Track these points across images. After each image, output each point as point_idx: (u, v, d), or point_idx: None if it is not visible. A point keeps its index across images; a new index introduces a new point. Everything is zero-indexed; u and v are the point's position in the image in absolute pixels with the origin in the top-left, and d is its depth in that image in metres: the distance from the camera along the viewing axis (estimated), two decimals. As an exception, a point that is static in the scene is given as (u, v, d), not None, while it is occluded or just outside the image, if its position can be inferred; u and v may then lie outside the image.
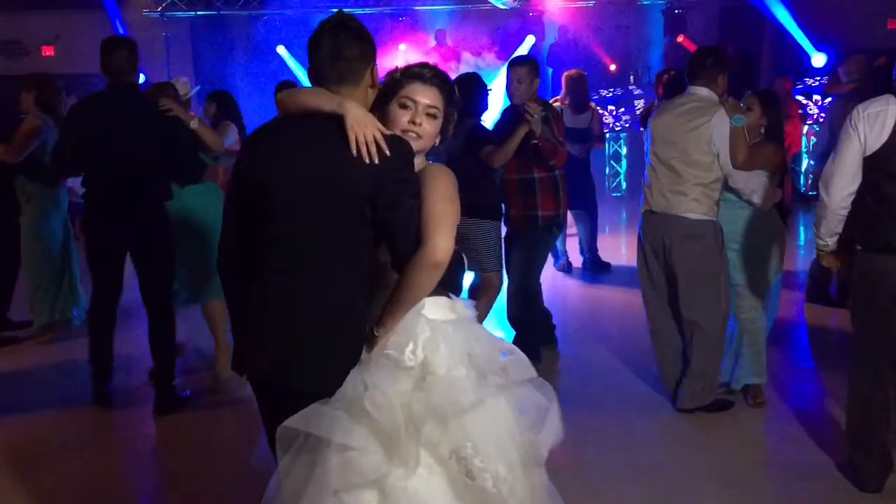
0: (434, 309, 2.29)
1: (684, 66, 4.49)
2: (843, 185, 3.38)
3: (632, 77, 13.71)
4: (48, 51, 13.80)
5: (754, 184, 4.21)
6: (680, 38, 13.40)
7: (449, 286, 2.33)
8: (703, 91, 4.28)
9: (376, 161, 2.17)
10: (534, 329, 5.18)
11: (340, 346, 2.24)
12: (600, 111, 8.44)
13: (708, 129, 4.12)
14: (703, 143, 4.14)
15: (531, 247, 5.05)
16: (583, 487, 3.53)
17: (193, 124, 4.64)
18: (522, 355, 2.37)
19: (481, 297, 4.93)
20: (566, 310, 6.41)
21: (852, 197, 3.40)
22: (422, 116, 2.34)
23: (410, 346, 2.17)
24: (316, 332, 2.23)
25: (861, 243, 3.45)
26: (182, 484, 3.82)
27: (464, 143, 4.87)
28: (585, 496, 3.48)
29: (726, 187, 4.25)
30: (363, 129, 2.18)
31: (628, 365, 5.13)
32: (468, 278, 5.15)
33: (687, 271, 4.22)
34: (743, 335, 4.41)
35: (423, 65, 2.42)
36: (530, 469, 2.24)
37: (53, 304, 6.04)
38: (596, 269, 7.74)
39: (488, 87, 5.22)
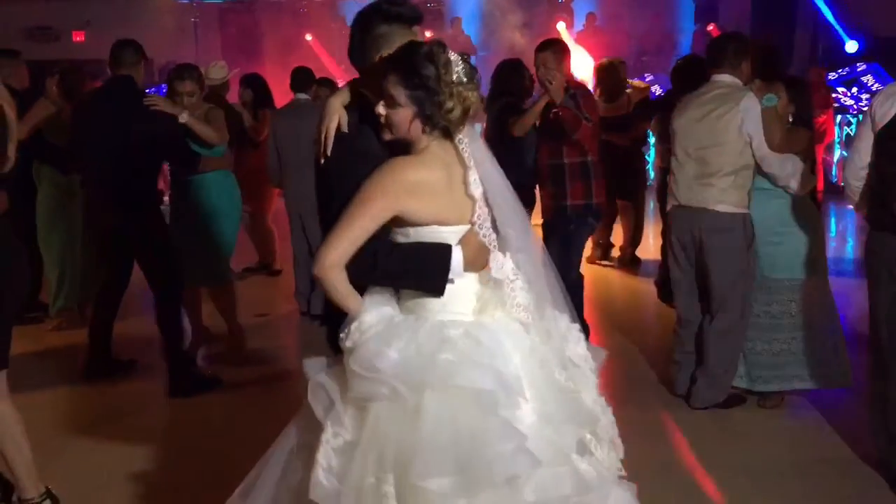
0: (414, 306, 2.15)
1: (705, 54, 4.38)
2: (857, 159, 3.51)
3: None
4: (79, 36, 13.90)
5: (789, 167, 4.03)
6: (710, 27, 13.22)
7: (424, 288, 2.14)
8: (726, 78, 4.14)
9: (322, 161, 2.20)
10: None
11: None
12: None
13: (737, 113, 3.99)
14: (732, 128, 4.01)
15: (564, 239, 4.90)
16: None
17: (183, 118, 4.69)
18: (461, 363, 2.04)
19: None
20: (591, 301, 6.36)
21: (865, 171, 3.49)
22: (379, 105, 2.12)
23: (346, 331, 2.11)
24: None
25: (867, 219, 3.53)
26: (204, 465, 3.83)
27: (494, 119, 4.86)
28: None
29: (760, 174, 4.10)
30: (322, 128, 2.20)
31: (652, 357, 5.07)
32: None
33: (718, 267, 4.11)
34: (782, 332, 4.17)
35: None
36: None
37: (64, 292, 5.98)
38: (628, 263, 7.59)
39: (529, 72, 5.18)
